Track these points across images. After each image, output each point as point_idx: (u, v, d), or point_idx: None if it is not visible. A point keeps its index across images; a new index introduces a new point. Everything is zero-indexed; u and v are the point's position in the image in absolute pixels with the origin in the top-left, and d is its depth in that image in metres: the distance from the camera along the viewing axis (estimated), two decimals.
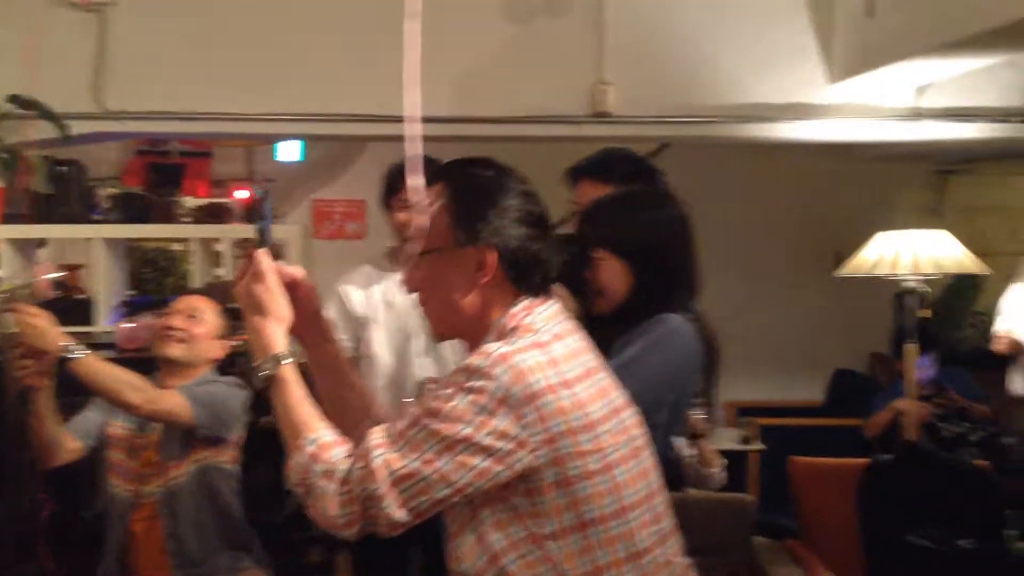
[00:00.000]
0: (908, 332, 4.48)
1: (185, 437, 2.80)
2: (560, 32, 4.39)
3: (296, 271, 1.73)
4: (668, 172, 2.86)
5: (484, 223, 1.62)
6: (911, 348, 4.50)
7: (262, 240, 1.71)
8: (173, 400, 2.71)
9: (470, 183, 1.68)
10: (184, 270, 5.61)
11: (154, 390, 2.70)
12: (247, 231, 4.56)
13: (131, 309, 4.31)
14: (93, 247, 4.54)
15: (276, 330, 1.64)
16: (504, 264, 1.62)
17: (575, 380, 1.55)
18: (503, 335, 1.59)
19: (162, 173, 5.32)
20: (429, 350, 3.05)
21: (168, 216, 4.67)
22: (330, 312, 2.99)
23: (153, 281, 5.24)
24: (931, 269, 4.33)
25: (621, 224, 2.25)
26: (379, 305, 3.12)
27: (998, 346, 5.32)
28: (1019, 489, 3.95)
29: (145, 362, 3.00)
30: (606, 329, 2.07)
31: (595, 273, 2.21)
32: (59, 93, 4.25)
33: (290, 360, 1.63)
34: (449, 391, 1.51)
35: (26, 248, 4.49)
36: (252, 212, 3.92)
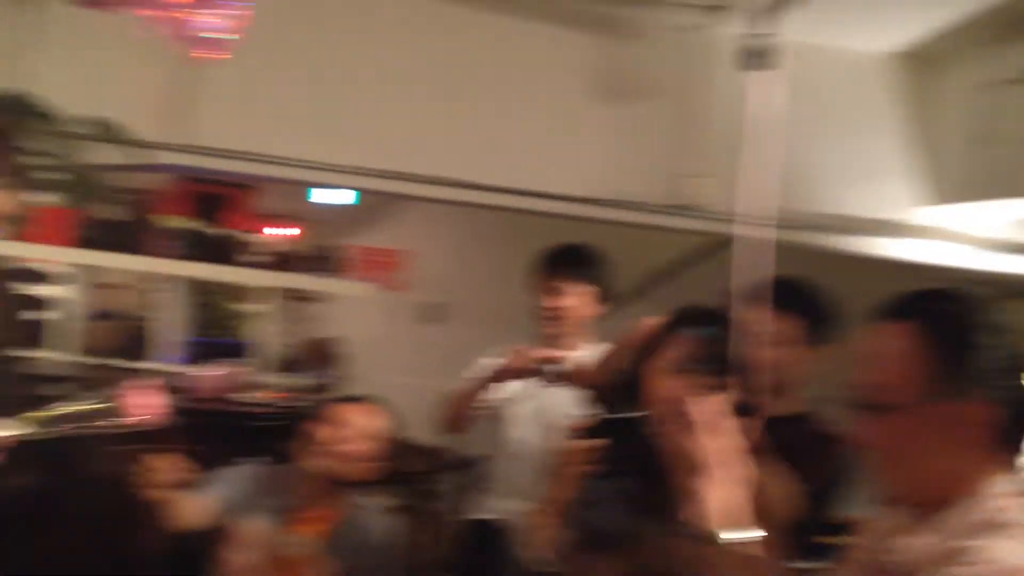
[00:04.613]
0: None
1: None
2: (648, 116, 4.33)
3: None
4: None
5: (971, 371, 1.34)
6: None
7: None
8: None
9: (949, 320, 1.39)
10: (229, 311, 5.51)
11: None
12: (314, 281, 4.46)
13: (198, 351, 4.20)
14: (161, 281, 4.46)
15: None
16: (991, 421, 1.34)
17: None
18: (992, 526, 1.32)
19: (206, 204, 5.24)
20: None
21: (234, 257, 4.57)
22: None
23: (210, 321, 5.13)
24: None
25: None
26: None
27: None
28: None
29: (219, 415, 2.86)
30: None
31: None
32: (144, 121, 4.22)
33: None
34: None
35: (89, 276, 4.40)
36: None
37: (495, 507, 3.01)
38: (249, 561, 2.53)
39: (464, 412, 2.95)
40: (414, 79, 4.25)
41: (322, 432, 2.65)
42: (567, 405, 2.90)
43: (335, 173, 4.45)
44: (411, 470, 3.06)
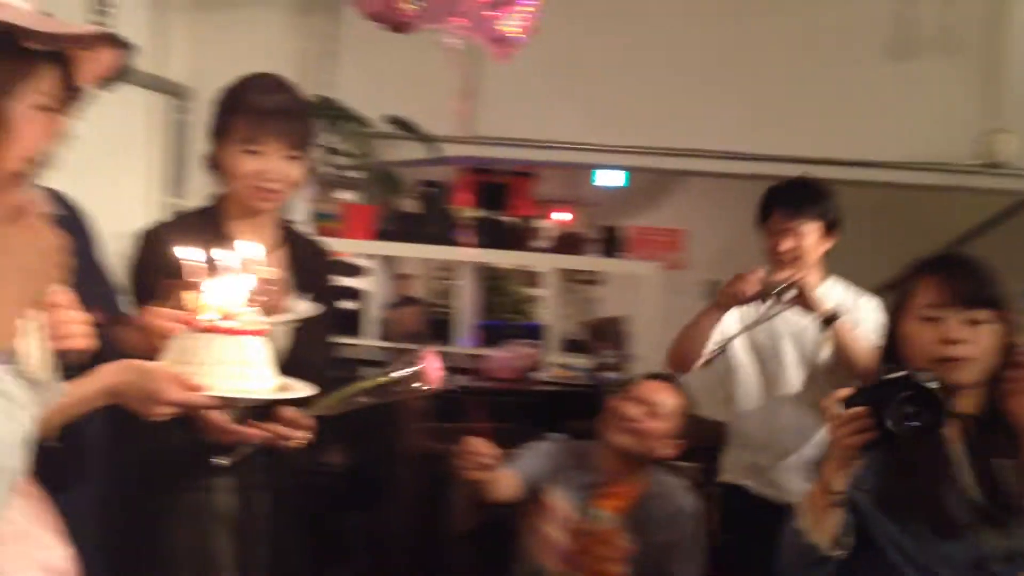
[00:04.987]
0: None
1: None
2: (948, 72, 4.05)
3: None
4: None
5: None
6: None
7: None
8: None
9: None
10: (517, 294, 5.68)
11: None
12: (598, 263, 4.52)
13: (491, 334, 4.38)
14: (455, 268, 4.67)
15: None
16: None
17: None
18: None
19: (489, 192, 5.41)
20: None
21: (523, 243, 4.72)
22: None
23: (501, 305, 5.34)
24: None
25: None
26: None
27: None
28: None
29: (517, 394, 2.95)
30: None
31: None
32: (431, 117, 4.43)
33: None
34: None
35: (388, 266, 4.68)
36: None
37: (742, 463, 2.94)
38: (555, 534, 2.60)
39: (692, 346, 2.88)
40: (692, 53, 4.20)
41: (627, 408, 2.68)
42: (809, 339, 2.82)
43: (616, 154, 4.51)
44: (701, 446, 3.02)
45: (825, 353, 2.82)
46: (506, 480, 2.57)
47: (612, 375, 3.75)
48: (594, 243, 4.89)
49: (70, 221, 1.78)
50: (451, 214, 4.79)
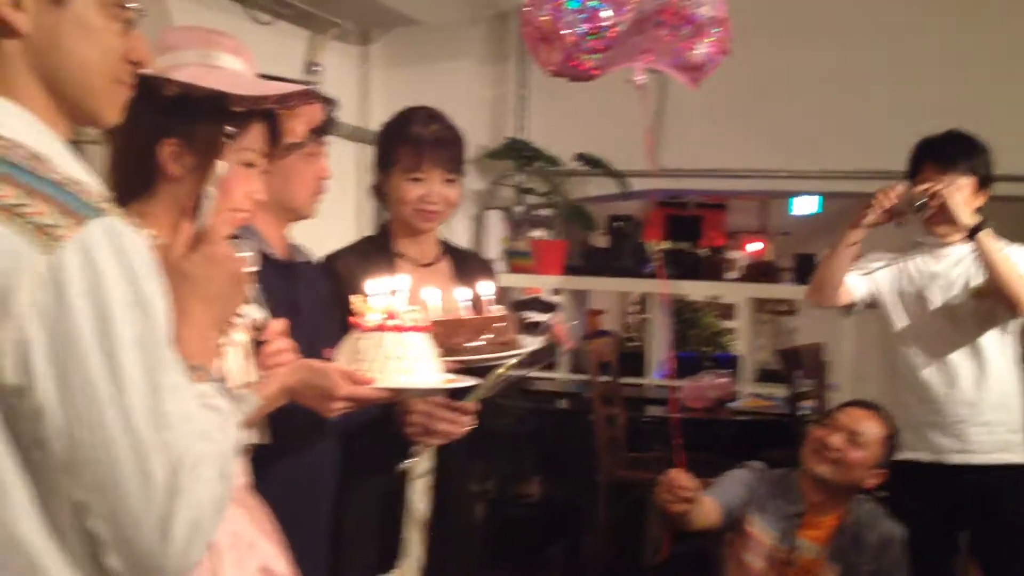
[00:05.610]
0: None
1: None
2: None
3: None
4: None
5: None
6: None
7: None
8: None
9: None
10: (711, 326, 5.65)
11: None
12: (792, 291, 4.45)
13: (685, 365, 4.39)
14: (647, 301, 4.72)
15: None
16: None
17: None
18: None
19: (680, 225, 5.41)
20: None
21: (715, 273, 4.71)
22: None
23: (691, 337, 5.33)
24: None
25: None
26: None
27: None
28: None
29: (708, 424, 2.95)
30: None
31: None
32: (621, 152, 4.50)
33: None
34: None
35: (579, 301, 4.77)
36: None
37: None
38: (756, 564, 2.60)
39: (831, 272, 2.79)
40: (886, 72, 4.12)
41: (828, 438, 2.65)
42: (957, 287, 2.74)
43: (810, 179, 4.45)
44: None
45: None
46: (707, 508, 2.57)
47: (809, 404, 3.68)
48: (788, 271, 4.82)
49: (305, 267, 2.01)
50: (642, 247, 4.83)
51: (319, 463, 1.88)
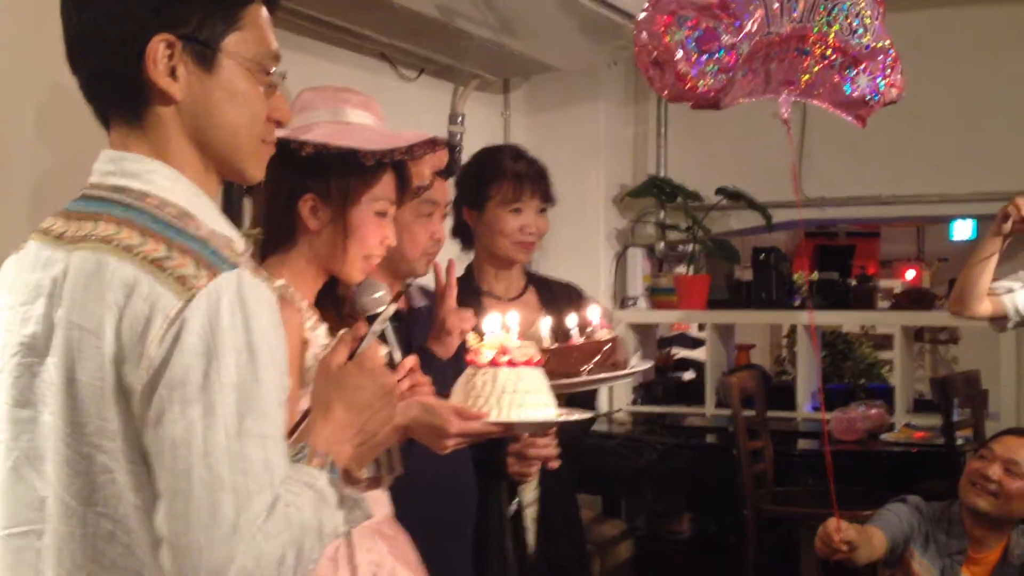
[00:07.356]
0: None
1: None
2: None
3: None
4: None
5: None
6: None
7: None
8: None
9: None
10: (864, 357, 5.49)
11: None
12: (947, 318, 4.31)
13: (834, 398, 4.30)
14: (796, 334, 4.66)
15: None
16: None
17: None
18: None
19: (831, 255, 5.30)
20: None
21: (867, 303, 4.60)
22: None
23: (844, 369, 5.21)
24: None
25: None
26: None
27: None
28: None
29: (860, 456, 2.90)
30: None
31: None
32: (764, 184, 4.49)
33: None
34: None
35: (725, 335, 4.74)
36: None
37: None
38: None
39: (971, 281, 2.64)
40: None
41: (985, 469, 2.58)
42: None
43: (965, 203, 4.34)
44: None
45: None
46: (875, 543, 2.52)
47: (967, 434, 3.57)
48: (942, 299, 4.67)
49: (419, 312, 2.12)
50: (788, 279, 4.77)
51: (460, 489, 1.97)
